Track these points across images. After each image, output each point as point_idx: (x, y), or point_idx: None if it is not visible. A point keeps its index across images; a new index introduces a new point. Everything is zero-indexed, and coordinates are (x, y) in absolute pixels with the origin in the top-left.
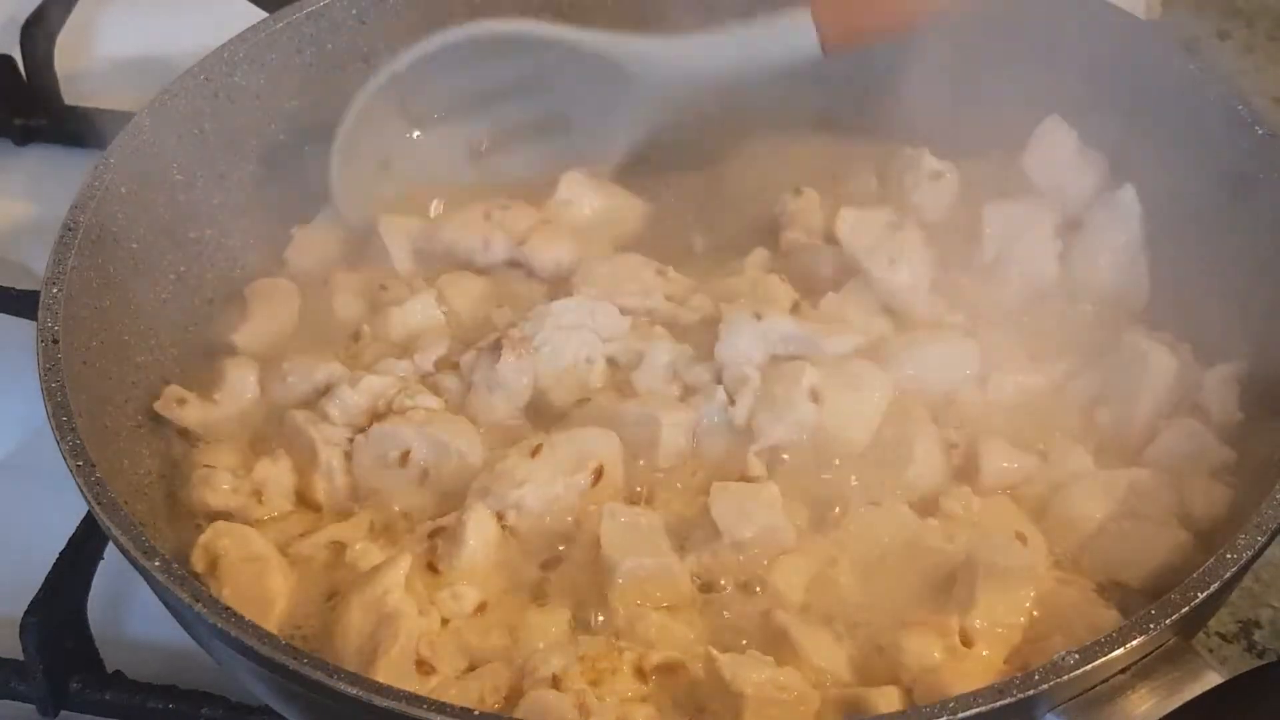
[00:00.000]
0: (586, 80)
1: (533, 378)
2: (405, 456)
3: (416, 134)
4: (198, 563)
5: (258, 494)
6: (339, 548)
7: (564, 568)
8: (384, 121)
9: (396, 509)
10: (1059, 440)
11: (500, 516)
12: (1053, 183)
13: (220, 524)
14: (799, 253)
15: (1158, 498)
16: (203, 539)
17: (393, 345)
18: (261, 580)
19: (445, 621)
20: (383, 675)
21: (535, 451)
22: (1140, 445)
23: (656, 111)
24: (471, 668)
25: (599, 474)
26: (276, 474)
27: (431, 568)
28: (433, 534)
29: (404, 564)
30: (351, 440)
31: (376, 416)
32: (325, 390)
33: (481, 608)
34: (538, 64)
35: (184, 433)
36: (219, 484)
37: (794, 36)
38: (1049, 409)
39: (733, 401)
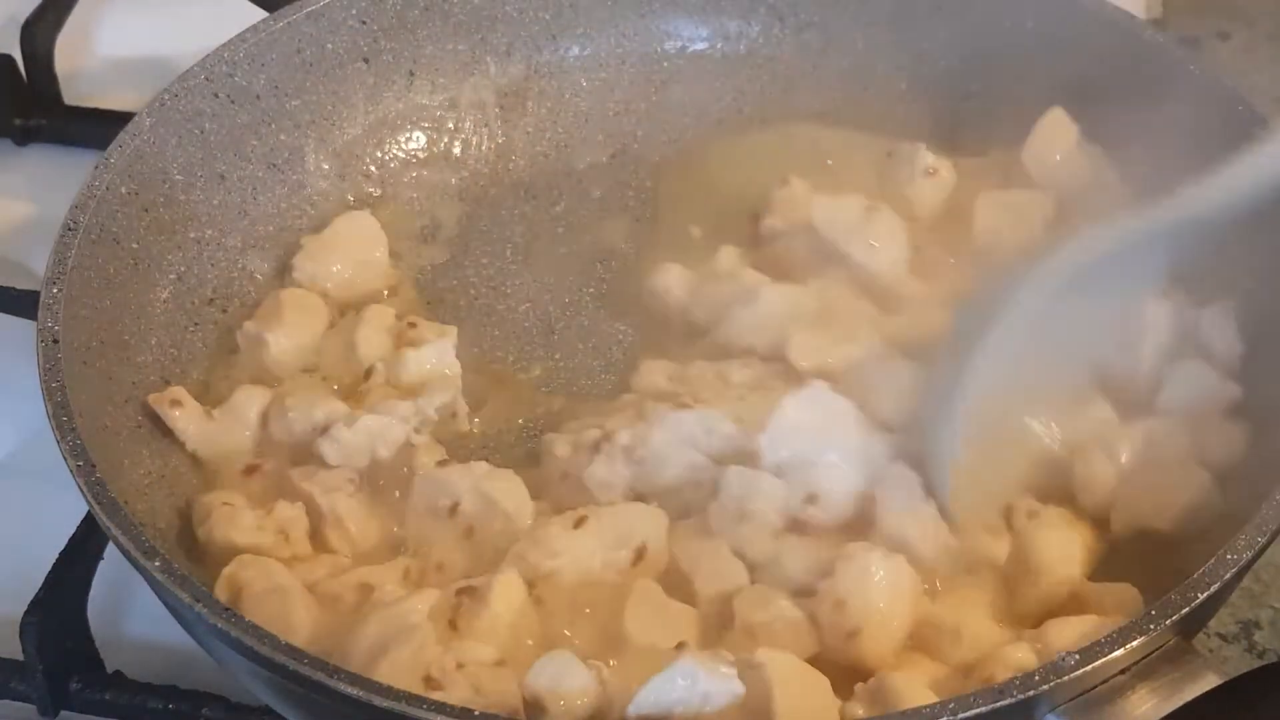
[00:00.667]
0: None
1: (627, 489)
2: (454, 508)
3: None
4: (221, 594)
5: (284, 533)
6: (368, 590)
7: (582, 626)
8: None
9: (435, 560)
10: (1070, 397)
11: (531, 585)
12: (1050, 176)
13: (246, 556)
14: (777, 239)
15: (1174, 443)
16: (227, 570)
17: (402, 389)
18: (284, 612)
19: (460, 665)
20: (385, 675)
21: (579, 523)
22: (1148, 395)
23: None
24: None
25: (640, 554)
26: (295, 516)
27: (452, 624)
28: (460, 592)
29: (431, 595)
30: (354, 482)
31: (377, 459)
32: (324, 429)
33: (501, 663)
34: None
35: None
36: (243, 522)
37: None
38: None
39: None
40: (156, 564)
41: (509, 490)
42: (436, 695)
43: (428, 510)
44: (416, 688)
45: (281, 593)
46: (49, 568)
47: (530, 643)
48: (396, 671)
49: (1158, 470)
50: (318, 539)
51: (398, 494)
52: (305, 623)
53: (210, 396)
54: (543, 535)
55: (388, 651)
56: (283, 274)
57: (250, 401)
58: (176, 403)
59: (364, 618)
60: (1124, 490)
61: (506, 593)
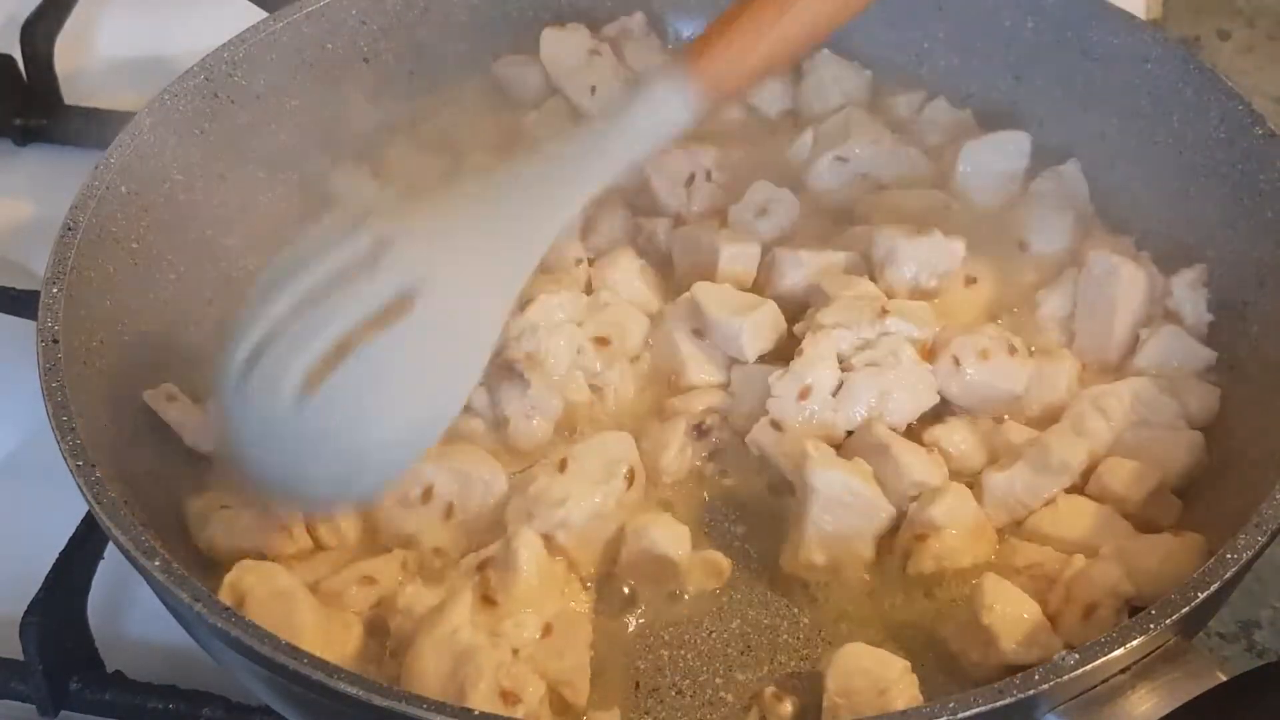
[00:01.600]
0: None
1: (561, 392)
2: (428, 493)
3: None
4: (225, 601)
5: (287, 529)
6: (369, 581)
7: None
8: None
9: (427, 547)
10: (1046, 355)
11: (547, 538)
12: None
13: (246, 562)
14: (511, 74)
15: (1161, 404)
16: (229, 578)
17: None
18: (289, 615)
19: (515, 651)
20: (480, 706)
21: (562, 466)
22: (1120, 357)
23: None
24: (553, 690)
25: (631, 476)
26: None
27: (488, 600)
28: (481, 566)
29: (465, 599)
30: None
31: None
32: None
33: (547, 630)
34: None
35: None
36: (245, 524)
37: (666, 110)
38: (1024, 327)
39: None
40: (156, 564)
41: (478, 459)
42: (519, 709)
43: (398, 503)
44: (499, 708)
45: (284, 596)
46: (49, 568)
47: (562, 595)
48: (485, 702)
49: (1149, 430)
50: (311, 526)
51: None
52: (311, 624)
53: (203, 400)
54: (536, 489)
55: (467, 687)
56: None
57: None
58: (171, 397)
59: (414, 652)
60: (1116, 451)
61: (530, 551)
